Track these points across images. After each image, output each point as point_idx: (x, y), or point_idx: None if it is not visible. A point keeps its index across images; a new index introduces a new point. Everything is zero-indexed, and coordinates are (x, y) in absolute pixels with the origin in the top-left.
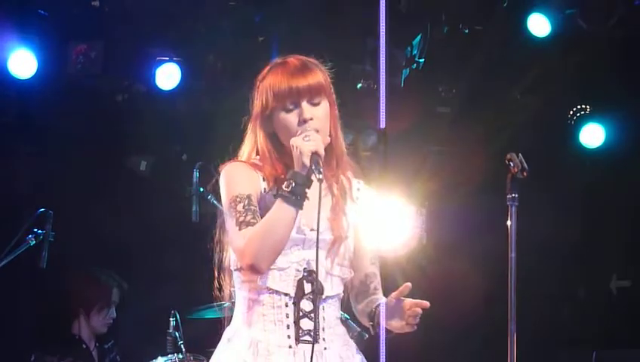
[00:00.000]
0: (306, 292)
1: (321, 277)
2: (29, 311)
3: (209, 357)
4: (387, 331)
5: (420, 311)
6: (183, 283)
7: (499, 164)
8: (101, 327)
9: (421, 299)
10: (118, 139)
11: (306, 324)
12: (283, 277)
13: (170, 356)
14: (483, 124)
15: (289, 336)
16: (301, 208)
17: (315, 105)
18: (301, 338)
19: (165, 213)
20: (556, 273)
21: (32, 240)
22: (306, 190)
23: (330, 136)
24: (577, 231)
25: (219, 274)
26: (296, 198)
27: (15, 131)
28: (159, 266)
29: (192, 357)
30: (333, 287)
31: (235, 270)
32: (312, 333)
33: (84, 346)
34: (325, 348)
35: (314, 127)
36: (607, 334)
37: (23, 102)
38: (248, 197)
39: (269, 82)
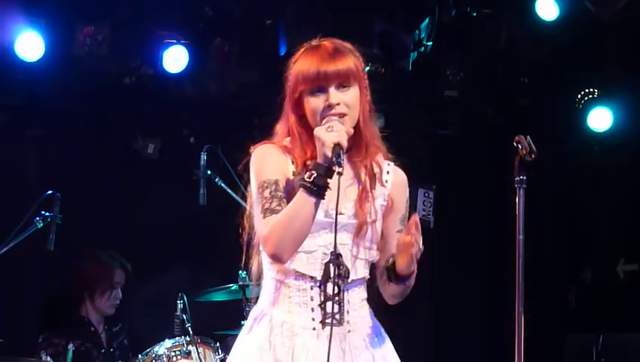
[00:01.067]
0: (332, 275)
1: (348, 260)
2: (36, 294)
3: (216, 340)
4: (399, 278)
5: (413, 233)
6: (190, 265)
7: (507, 147)
8: (107, 309)
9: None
10: (125, 122)
11: (331, 307)
12: (310, 260)
13: (177, 338)
14: (490, 108)
15: (313, 319)
16: (322, 198)
17: (344, 90)
18: (326, 321)
19: (173, 196)
20: (564, 256)
21: (39, 223)
22: (328, 180)
23: (358, 122)
24: (585, 214)
25: (247, 250)
26: (318, 189)
27: (22, 114)
28: (167, 249)
29: (199, 340)
30: (359, 270)
31: (262, 250)
32: (336, 316)
33: (92, 329)
34: (349, 331)
35: (340, 111)
36: (614, 318)
37: (31, 84)
38: (275, 183)
39: (300, 65)
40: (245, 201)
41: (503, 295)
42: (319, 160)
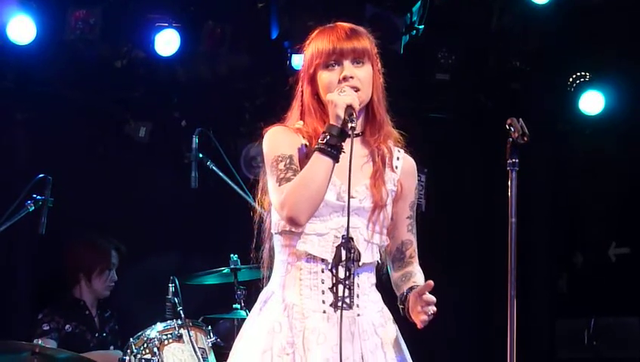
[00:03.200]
0: (343, 258)
1: (359, 244)
2: (28, 278)
3: (208, 324)
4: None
5: (432, 299)
6: (181, 249)
7: (498, 131)
8: (104, 291)
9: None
10: (116, 105)
11: (341, 291)
12: (322, 242)
13: (169, 322)
14: (482, 91)
15: (324, 301)
16: (337, 161)
17: (358, 65)
18: (335, 304)
19: (164, 179)
20: (555, 240)
21: (31, 206)
22: (342, 142)
23: (373, 101)
24: (576, 197)
25: (258, 233)
26: (332, 150)
27: (14, 97)
28: (158, 232)
29: (191, 323)
30: (370, 254)
31: (275, 233)
32: (346, 300)
33: (87, 312)
34: (359, 315)
35: (353, 84)
36: (606, 302)
37: (22, 68)
38: (290, 157)
39: (316, 42)
40: (237, 185)
41: (495, 279)
42: (332, 121)
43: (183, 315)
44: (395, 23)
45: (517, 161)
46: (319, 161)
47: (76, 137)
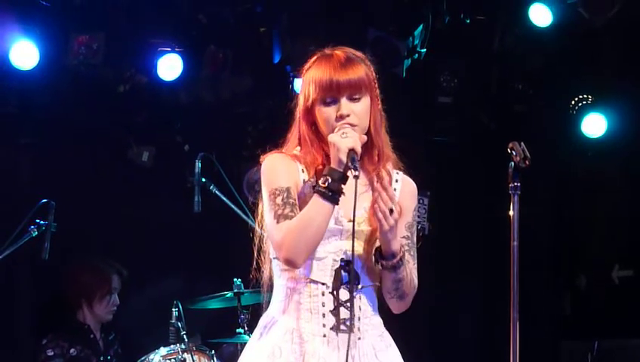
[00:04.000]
0: (342, 281)
1: (359, 267)
2: (30, 303)
3: (211, 348)
4: (382, 257)
5: (376, 188)
6: (185, 273)
7: (501, 154)
8: (106, 315)
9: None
10: (120, 130)
11: (342, 314)
12: (320, 266)
13: (172, 346)
14: (485, 114)
15: (324, 325)
16: (337, 204)
17: (355, 101)
18: (336, 328)
19: (167, 204)
20: (558, 262)
21: (34, 231)
22: (342, 186)
23: (369, 131)
24: (579, 220)
25: (258, 256)
26: (332, 194)
27: (17, 122)
28: (161, 257)
29: (194, 347)
30: (369, 277)
31: (274, 258)
32: (347, 322)
33: (91, 336)
34: (360, 338)
35: (350, 122)
36: (610, 324)
37: (25, 93)
38: (287, 190)
39: (312, 74)
40: (240, 209)
41: (498, 301)
42: (334, 165)
43: (186, 339)
44: (397, 47)
45: (519, 184)
46: (318, 205)
47: (79, 162)
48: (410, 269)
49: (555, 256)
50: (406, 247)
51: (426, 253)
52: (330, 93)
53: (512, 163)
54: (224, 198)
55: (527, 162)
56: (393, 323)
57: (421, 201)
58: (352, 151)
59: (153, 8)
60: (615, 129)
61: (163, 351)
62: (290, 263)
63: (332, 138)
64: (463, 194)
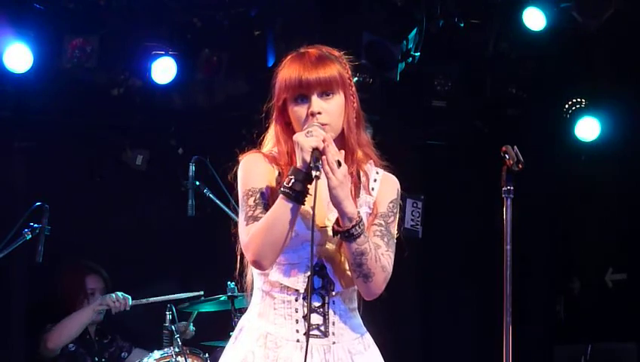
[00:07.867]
0: (316, 287)
1: (332, 272)
2: (24, 306)
3: (205, 351)
4: (339, 224)
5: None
6: (179, 276)
7: (494, 157)
8: (95, 315)
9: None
10: (113, 133)
11: (315, 319)
12: (294, 272)
13: (166, 349)
14: (478, 118)
15: (297, 331)
16: (302, 204)
17: (326, 98)
18: (309, 333)
19: (161, 207)
20: (552, 265)
21: (28, 234)
22: (308, 186)
23: (343, 129)
24: (573, 223)
25: (241, 259)
26: (296, 195)
27: (11, 125)
28: (155, 260)
29: (188, 351)
30: (345, 281)
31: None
32: (321, 328)
33: (87, 336)
34: (334, 342)
35: (322, 121)
36: (603, 327)
37: (19, 96)
38: (260, 191)
39: (283, 73)
40: (234, 212)
41: (491, 305)
42: (298, 165)
43: (180, 343)
44: (392, 51)
45: (512, 188)
46: (283, 206)
47: (73, 165)
48: (378, 250)
49: (548, 259)
50: (378, 232)
51: (419, 256)
52: (300, 90)
53: (506, 166)
54: (218, 202)
55: (520, 166)
56: (387, 327)
57: (415, 205)
58: (315, 150)
59: (147, 12)
60: (609, 133)
61: (157, 354)
62: (258, 265)
63: (296, 137)
64: (456, 198)
